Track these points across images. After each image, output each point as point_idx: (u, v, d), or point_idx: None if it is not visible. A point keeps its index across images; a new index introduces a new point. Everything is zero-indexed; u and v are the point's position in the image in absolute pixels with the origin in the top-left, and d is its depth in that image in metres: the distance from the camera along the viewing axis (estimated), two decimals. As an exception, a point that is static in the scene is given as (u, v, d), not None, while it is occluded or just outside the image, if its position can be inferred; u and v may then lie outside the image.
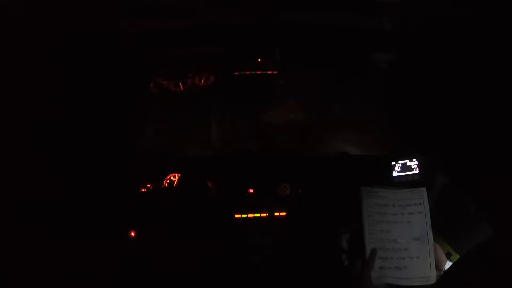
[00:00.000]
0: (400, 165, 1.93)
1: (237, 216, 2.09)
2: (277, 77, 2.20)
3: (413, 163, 1.91)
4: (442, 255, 1.43)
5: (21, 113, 1.30)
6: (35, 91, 1.35)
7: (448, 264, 1.42)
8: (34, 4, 1.21)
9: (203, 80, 2.19)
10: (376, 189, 1.53)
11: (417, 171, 1.91)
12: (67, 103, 1.50)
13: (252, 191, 2.15)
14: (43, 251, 1.33)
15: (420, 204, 1.47)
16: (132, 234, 1.89)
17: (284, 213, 2.10)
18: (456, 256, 1.46)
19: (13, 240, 1.24)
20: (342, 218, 1.84)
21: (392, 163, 1.94)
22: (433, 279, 1.37)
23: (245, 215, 2.09)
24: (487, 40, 1.46)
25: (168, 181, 2.15)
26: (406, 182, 1.89)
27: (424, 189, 1.50)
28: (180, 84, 2.17)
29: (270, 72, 2.18)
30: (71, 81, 1.52)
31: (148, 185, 2.14)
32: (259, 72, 2.19)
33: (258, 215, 2.10)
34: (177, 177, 2.16)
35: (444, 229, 1.56)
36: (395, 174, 1.93)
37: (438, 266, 1.39)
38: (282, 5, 1.78)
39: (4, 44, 1.21)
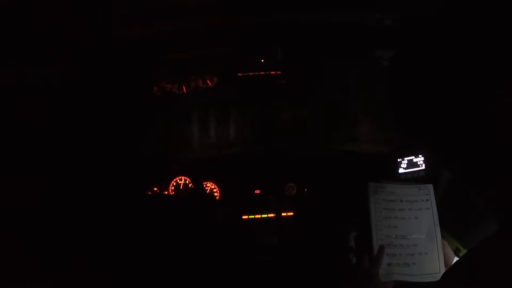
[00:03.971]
0: (406, 162, 1.93)
1: (244, 217, 2.09)
2: (281, 77, 2.20)
3: (419, 159, 1.91)
4: (450, 251, 1.42)
5: (26, 114, 1.32)
6: (37, 94, 1.37)
7: (456, 260, 1.41)
8: (34, 7, 1.22)
9: (206, 82, 2.20)
10: (383, 184, 1.52)
11: (423, 167, 1.90)
12: (68, 107, 1.51)
13: (258, 191, 2.16)
14: (43, 252, 1.34)
15: (427, 200, 1.47)
16: (139, 236, 1.90)
17: (291, 213, 2.10)
18: (464, 252, 1.45)
19: (12, 240, 1.25)
20: (349, 216, 1.83)
21: (398, 159, 1.94)
22: (441, 276, 1.36)
23: (252, 216, 2.09)
24: (491, 34, 1.45)
25: (174, 183, 2.16)
26: (412, 179, 1.88)
27: (431, 186, 1.49)
28: (183, 86, 2.18)
29: (273, 72, 2.19)
30: (73, 85, 1.53)
31: (155, 189, 2.15)
32: (263, 73, 2.19)
33: (265, 215, 2.10)
34: (183, 179, 2.17)
35: (451, 225, 1.55)
36: (401, 170, 1.93)
37: (447, 262, 1.39)
38: (282, 4, 1.78)
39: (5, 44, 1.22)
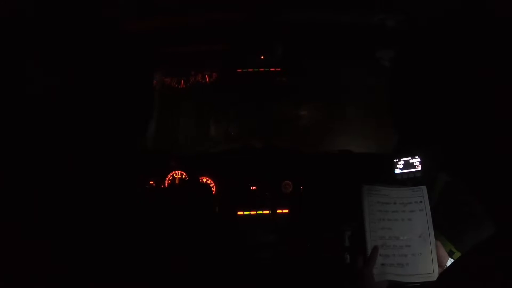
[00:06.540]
0: (403, 163, 1.93)
1: (239, 213, 2.10)
2: (280, 75, 2.20)
3: (416, 161, 1.91)
4: (444, 252, 1.43)
5: (25, 113, 1.31)
6: (35, 92, 1.36)
7: (450, 261, 1.42)
8: (38, 4, 1.22)
9: (206, 77, 2.20)
10: (377, 187, 1.53)
11: (420, 168, 1.90)
12: (68, 101, 1.51)
13: (254, 188, 2.16)
14: (43, 250, 1.34)
15: (421, 202, 1.47)
16: (135, 230, 1.90)
17: (286, 210, 2.10)
18: (458, 254, 1.46)
19: (12, 237, 1.26)
20: (344, 215, 1.84)
21: (395, 160, 1.94)
22: (435, 276, 1.37)
23: (248, 212, 2.10)
24: (491, 35, 1.45)
25: (170, 178, 2.16)
26: (408, 179, 1.88)
27: (424, 187, 1.49)
28: (183, 82, 2.18)
29: (273, 69, 2.19)
30: (73, 80, 1.53)
31: (151, 183, 2.15)
32: (262, 70, 2.19)
33: (261, 212, 2.10)
34: (179, 174, 2.17)
35: (446, 226, 1.56)
36: (397, 171, 1.93)
37: (440, 263, 1.39)
38: (284, 3, 1.77)
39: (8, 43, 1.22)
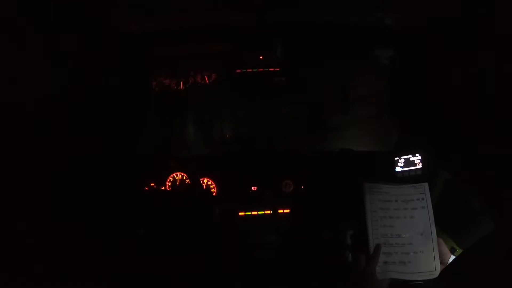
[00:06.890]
0: (404, 160, 1.93)
1: (241, 213, 2.09)
2: (279, 74, 2.20)
3: (416, 158, 1.91)
4: (446, 249, 1.43)
5: (22, 111, 1.31)
6: (34, 93, 1.36)
7: (452, 258, 1.42)
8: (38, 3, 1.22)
9: (205, 78, 2.20)
10: (379, 185, 1.53)
11: (420, 166, 1.90)
12: (67, 102, 1.51)
13: (255, 188, 2.16)
14: (43, 251, 1.34)
15: (423, 199, 1.48)
16: (135, 233, 1.90)
17: (287, 210, 2.10)
18: (460, 251, 1.46)
19: (11, 238, 1.25)
20: (346, 214, 1.84)
21: (395, 158, 1.94)
22: (437, 274, 1.38)
23: (249, 213, 2.09)
24: (488, 35, 1.45)
25: (171, 179, 2.16)
26: (409, 177, 1.88)
27: (426, 185, 1.50)
28: (182, 82, 2.18)
29: (271, 69, 2.19)
30: (71, 80, 1.52)
31: (152, 184, 2.15)
32: (261, 70, 2.19)
33: (262, 212, 2.10)
34: (180, 175, 2.17)
35: (448, 224, 1.56)
36: (398, 169, 1.93)
37: (442, 261, 1.40)
38: (282, 2, 1.78)
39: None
